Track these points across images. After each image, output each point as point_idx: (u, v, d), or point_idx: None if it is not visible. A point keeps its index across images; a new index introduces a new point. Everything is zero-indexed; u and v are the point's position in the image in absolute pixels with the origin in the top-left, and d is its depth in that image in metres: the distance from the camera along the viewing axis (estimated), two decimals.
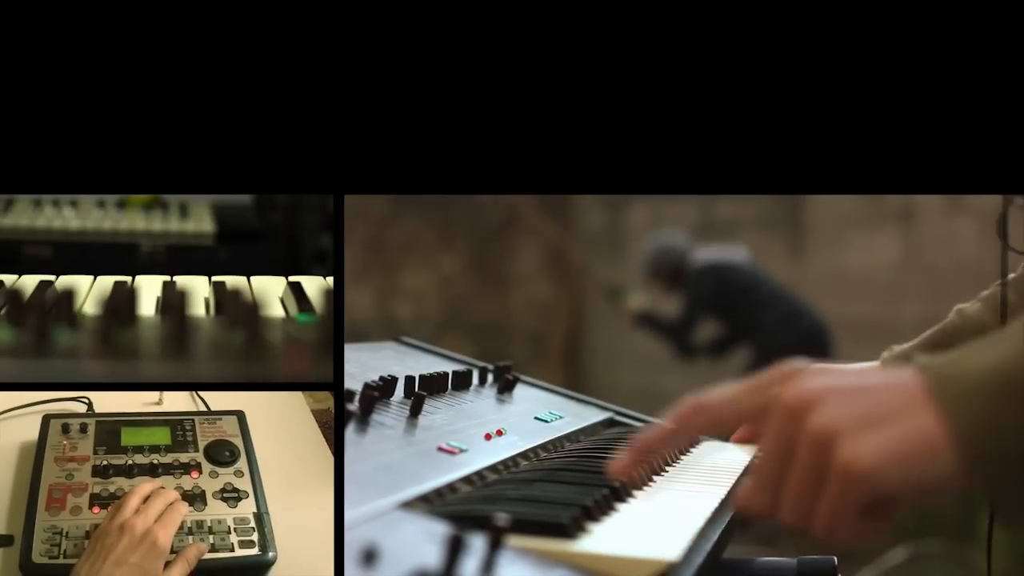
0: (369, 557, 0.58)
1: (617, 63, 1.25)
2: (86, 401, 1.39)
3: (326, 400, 1.48)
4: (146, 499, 1.09)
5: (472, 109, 1.25)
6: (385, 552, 0.59)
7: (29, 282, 1.28)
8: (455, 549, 0.58)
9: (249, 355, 0.97)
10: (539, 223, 5.62)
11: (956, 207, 4.52)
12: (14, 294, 1.03)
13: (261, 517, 1.15)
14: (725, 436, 1.24)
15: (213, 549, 1.10)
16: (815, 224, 5.04)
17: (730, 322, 4.11)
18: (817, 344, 3.87)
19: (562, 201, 5.86)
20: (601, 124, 1.25)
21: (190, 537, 1.10)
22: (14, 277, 1.31)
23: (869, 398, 0.64)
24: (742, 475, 1.05)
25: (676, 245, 4.24)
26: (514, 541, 0.68)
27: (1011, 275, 1.12)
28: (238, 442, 1.28)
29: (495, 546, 0.61)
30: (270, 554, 1.10)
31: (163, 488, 1.13)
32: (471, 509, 0.77)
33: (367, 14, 1.24)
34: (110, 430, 1.27)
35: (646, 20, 1.24)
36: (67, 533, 1.08)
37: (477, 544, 0.61)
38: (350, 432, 0.89)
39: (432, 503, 0.79)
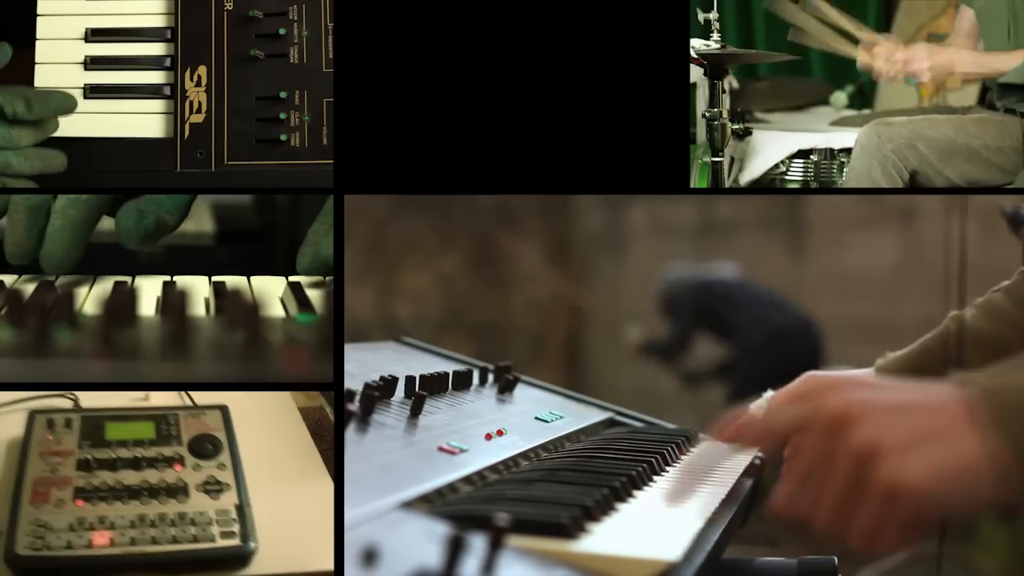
0: (369, 557, 0.58)
1: (616, 64, 1.25)
2: (73, 396, 1.40)
3: (317, 397, 1.48)
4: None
5: (472, 110, 1.25)
6: (385, 552, 0.59)
7: (29, 282, 1.28)
8: (455, 549, 0.58)
9: (249, 355, 0.97)
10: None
11: (956, 207, 4.50)
12: (14, 294, 1.02)
13: (242, 508, 1.16)
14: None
15: (195, 540, 1.11)
16: (815, 224, 5.03)
17: (712, 331, 4.33)
18: (789, 340, 3.99)
19: (562, 201, 5.85)
20: (600, 125, 1.25)
21: (172, 529, 1.11)
22: (14, 277, 1.31)
23: (913, 416, 0.64)
24: (742, 475, 1.05)
25: (675, 279, 4.51)
26: (514, 541, 0.67)
27: (1005, 282, 1.12)
28: (221, 435, 1.29)
29: (495, 546, 0.61)
30: (251, 544, 1.11)
31: None
32: (471, 509, 0.77)
33: (366, 15, 1.24)
34: (95, 425, 1.28)
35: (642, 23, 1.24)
36: (51, 526, 1.10)
37: (477, 544, 0.61)
38: (350, 432, 0.89)
39: (432, 503, 0.79)
